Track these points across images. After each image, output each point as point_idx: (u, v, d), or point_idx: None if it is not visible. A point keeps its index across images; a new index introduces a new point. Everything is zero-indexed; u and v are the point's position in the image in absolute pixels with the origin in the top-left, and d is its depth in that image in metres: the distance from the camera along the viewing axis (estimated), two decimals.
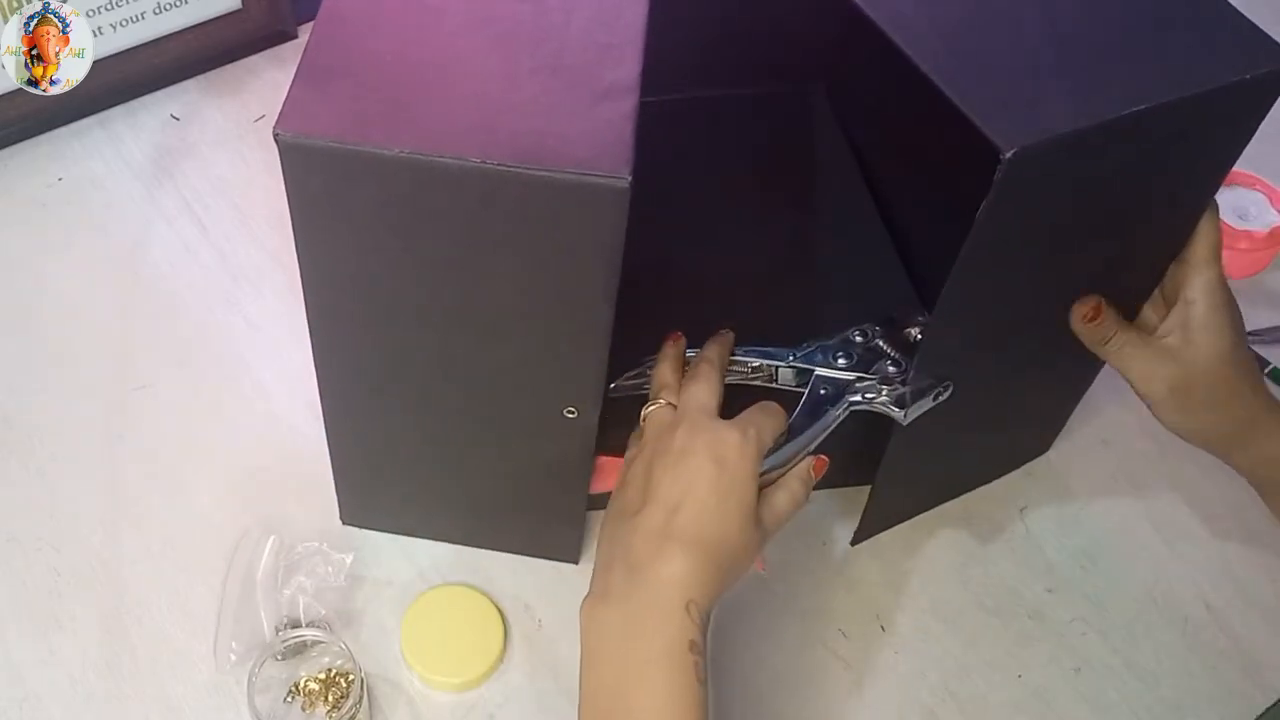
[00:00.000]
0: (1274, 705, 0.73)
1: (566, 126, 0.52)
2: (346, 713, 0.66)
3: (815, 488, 0.80)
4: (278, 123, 0.51)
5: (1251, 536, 0.80)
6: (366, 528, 0.76)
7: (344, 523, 0.76)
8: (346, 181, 0.53)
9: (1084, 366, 0.77)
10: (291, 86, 0.53)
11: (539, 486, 0.70)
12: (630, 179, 0.50)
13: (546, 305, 0.57)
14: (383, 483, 0.73)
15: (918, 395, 0.67)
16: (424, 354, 0.62)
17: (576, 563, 0.76)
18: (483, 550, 0.76)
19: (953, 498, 0.80)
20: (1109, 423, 0.86)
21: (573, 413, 0.63)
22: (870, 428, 0.71)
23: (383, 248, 0.56)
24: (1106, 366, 0.78)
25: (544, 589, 0.75)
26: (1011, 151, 0.51)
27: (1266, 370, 0.89)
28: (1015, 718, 0.72)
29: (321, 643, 0.69)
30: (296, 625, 0.70)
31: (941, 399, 0.67)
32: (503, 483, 0.71)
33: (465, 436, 0.67)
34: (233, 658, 0.69)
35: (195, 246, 0.91)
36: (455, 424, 0.66)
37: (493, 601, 0.73)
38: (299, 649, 0.69)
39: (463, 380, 0.63)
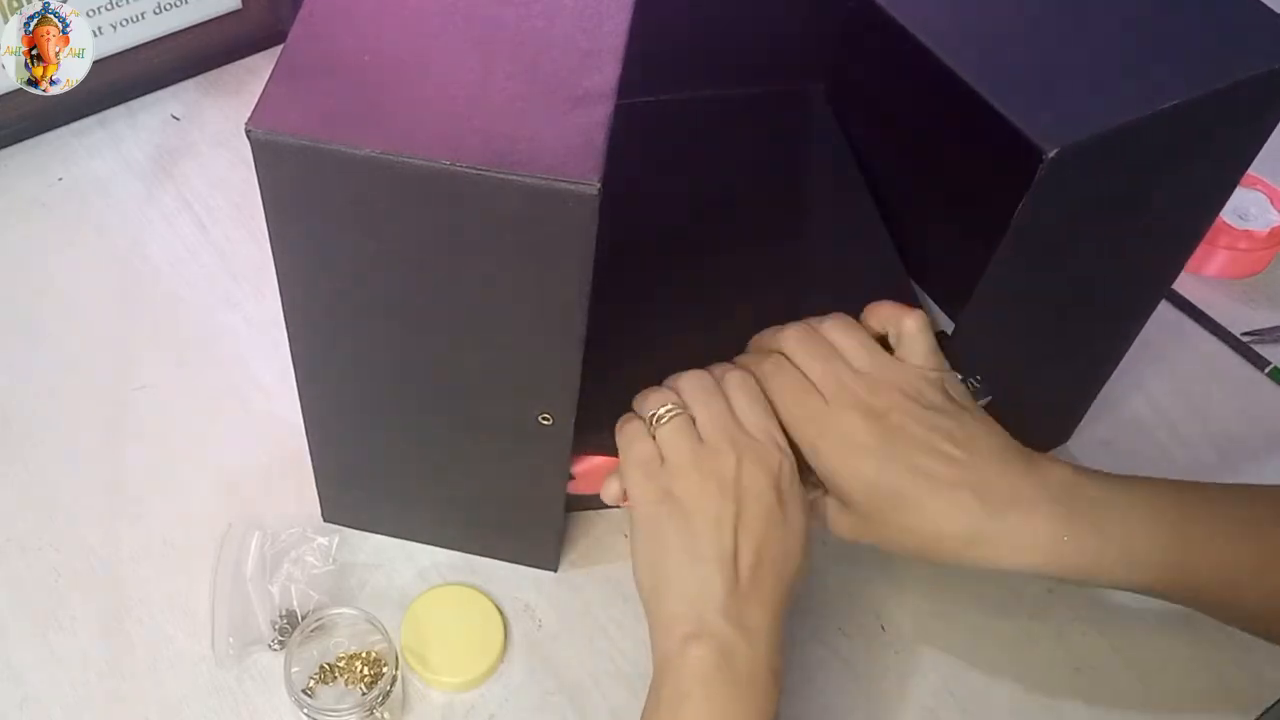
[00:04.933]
0: (1274, 705, 0.73)
1: (539, 131, 0.52)
2: (379, 693, 0.65)
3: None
4: (250, 119, 0.51)
5: None
6: (348, 526, 0.76)
7: (325, 519, 0.76)
8: (318, 180, 0.53)
9: (1100, 365, 0.77)
10: (268, 83, 0.53)
11: (515, 492, 0.70)
12: (599, 186, 0.50)
13: (518, 310, 0.57)
14: (361, 481, 0.73)
15: None
16: (398, 354, 0.62)
17: (555, 570, 0.75)
18: None
19: None
20: (1110, 424, 0.85)
21: (547, 419, 0.63)
22: None
23: (355, 247, 0.56)
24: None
25: (544, 589, 0.75)
26: (1054, 151, 0.51)
27: (1267, 370, 0.89)
28: (1015, 718, 0.72)
29: (348, 620, 0.69)
30: (291, 612, 0.70)
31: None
32: (479, 487, 0.71)
33: (441, 439, 0.67)
34: (232, 652, 0.69)
35: (195, 246, 0.91)
36: (430, 426, 0.67)
37: (493, 601, 0.73)
38: (330, 628, 0.69)
39: (437, 383, 0.63)
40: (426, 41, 0.56)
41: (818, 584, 0.76)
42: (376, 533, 0.76)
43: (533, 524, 0.73)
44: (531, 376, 0.61)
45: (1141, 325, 0.75)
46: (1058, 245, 0.60)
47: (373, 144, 0.51)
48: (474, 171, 0.51)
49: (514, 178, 0.50)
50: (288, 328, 0.62)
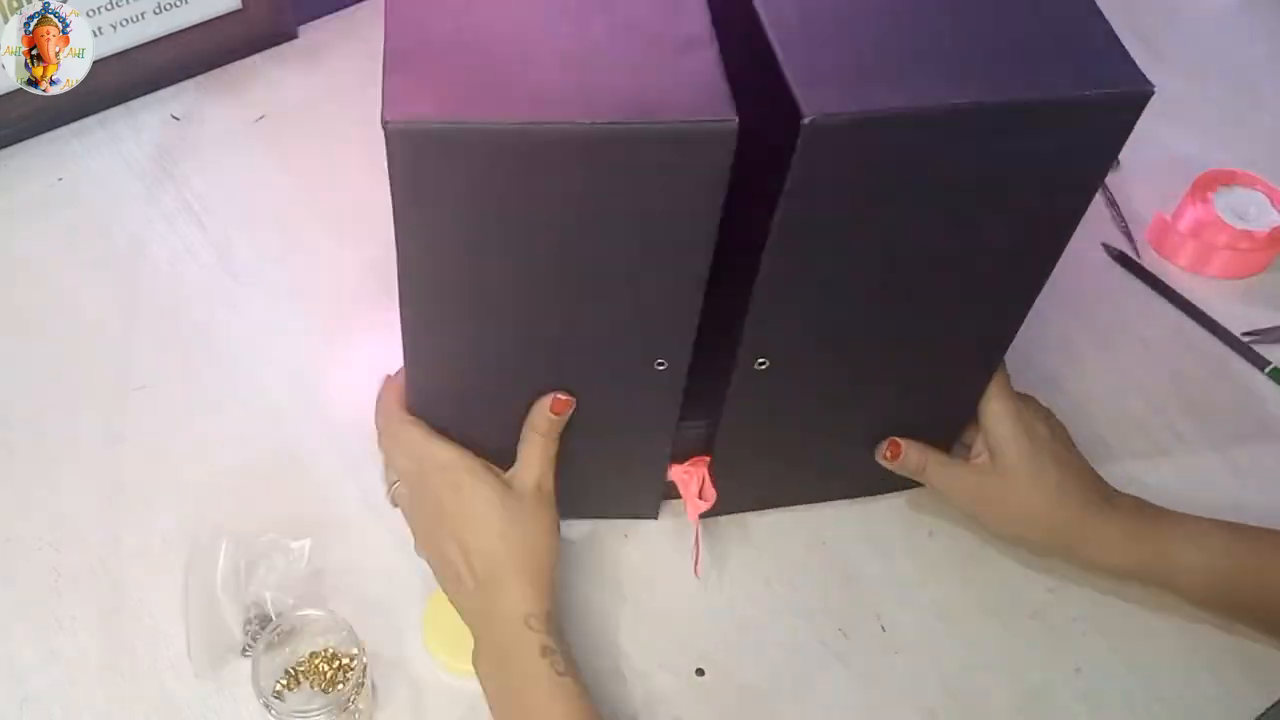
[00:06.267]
0: (1274, 705, 0.72)
1: (660, 79, 0.53)
2: (348, 692, 0.65)
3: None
4: (385, 112, 0.51)
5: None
6: None
7: None
8: (456, 160, 0.53)
9: (958, 392, 0.74)
10: (385, 76, 0.53)
11: (624, 441, 0.71)
12: (737, 119, 0.51)
13: (646, 259, 0.58)
14: (468, 441, 0.70)
15: None
16: (519, 321, 0.62)
17: (656, 518, 0.77)
18: None
19: (802, 503, 0.79)
20: (1110, 424, 0.86)
21: (662, 364, 0.64)
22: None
23: (485, 220, 0.56)
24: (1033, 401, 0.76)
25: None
26: (810, 118, 0.52)
27: (1267, 370, 0.89)
28: (1015, 718, 0.72)
29: (321, 622, 0.69)
30: (264, 616, 0.70)
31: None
32: (588, 442, 0.70)
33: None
34: (206, 661, 0.68)
35: (195, 246, 0.91)
36: (546, 387, 0.66)
37: None
38: (299, 630, 0.69)
39: (557, 342, 0.64)
40: (513, 13, 0.56)
41: (818, 584, 0.76)
42: None
43: (640, 471, 0.73)
44: (654, 323, 0.62)
45: (1005, 333, 0.70)
46: (837, 225, 0.59)
47: (510, 115, 0.51)
48: (615, 126, 0.51)
49: (656, 125, 0.51)
50: (403, 314, 0.61)
